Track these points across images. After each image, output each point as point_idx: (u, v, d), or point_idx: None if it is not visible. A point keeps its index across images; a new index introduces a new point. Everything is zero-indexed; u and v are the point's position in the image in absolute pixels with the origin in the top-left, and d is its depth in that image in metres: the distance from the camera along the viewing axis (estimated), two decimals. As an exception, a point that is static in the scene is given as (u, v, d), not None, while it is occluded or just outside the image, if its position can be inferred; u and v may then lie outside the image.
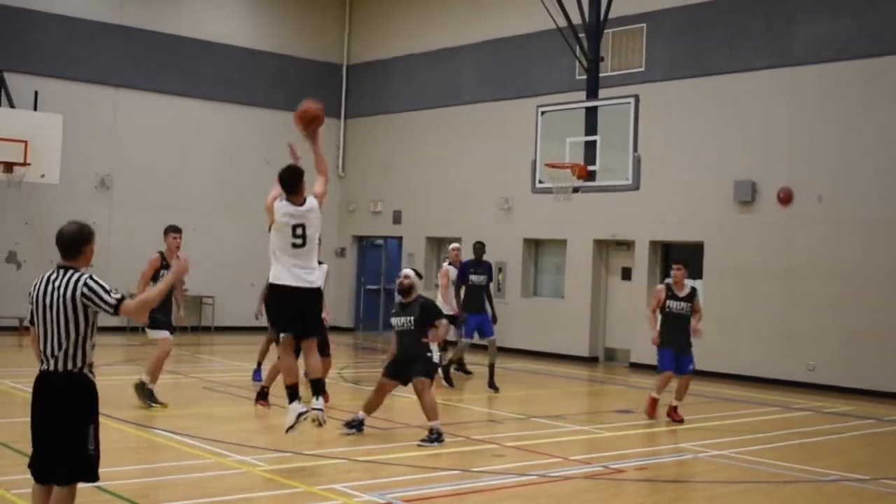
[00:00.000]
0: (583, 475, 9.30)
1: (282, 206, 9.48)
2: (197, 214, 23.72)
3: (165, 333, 12.51)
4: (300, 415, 9.18)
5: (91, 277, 5.70)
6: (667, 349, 13.10)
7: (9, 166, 19.69)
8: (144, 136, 23.55)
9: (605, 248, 21.14)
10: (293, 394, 9.31)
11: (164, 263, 12.47)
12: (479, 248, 16.29)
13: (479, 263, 16.09)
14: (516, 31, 22.64)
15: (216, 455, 9.44)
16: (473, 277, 15.91)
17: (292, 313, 9.32)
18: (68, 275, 5.71)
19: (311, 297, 9.35)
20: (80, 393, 5.73)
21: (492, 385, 15.31)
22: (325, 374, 11.64)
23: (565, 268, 21.50)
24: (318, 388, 9.48)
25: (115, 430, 10.39)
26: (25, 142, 19.85)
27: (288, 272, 9.27)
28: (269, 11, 26.01)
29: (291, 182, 9.56)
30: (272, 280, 9.46)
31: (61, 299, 5.65)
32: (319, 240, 9.84)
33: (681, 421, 12.80)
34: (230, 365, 18.02)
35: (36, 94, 21.32)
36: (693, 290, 13.12)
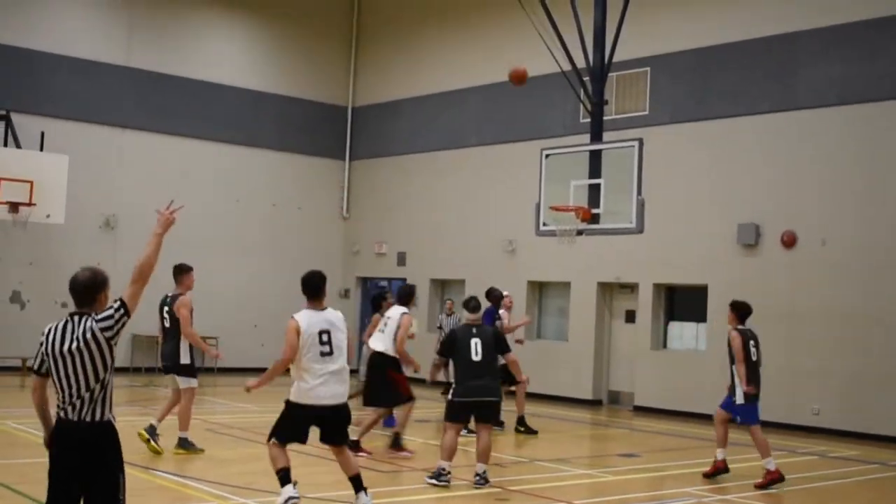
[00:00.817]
0: (587, 520, 9.26)
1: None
2: (201, 255, 23.74)
3: (195, 382, 12.28)
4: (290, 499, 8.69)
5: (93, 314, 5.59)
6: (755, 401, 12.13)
7: (14, 206, 19.75)
8: (150, 177, 23.62)
9: (609, 290, 21.15)
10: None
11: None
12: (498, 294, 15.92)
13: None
14: (520, 75, 22.77)
15: (219, 498, 9.41)
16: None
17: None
18: (83, 321, 5.56)
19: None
20: (110, 443, 5.62)
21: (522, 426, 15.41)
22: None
23: (569, 310, 21.48)
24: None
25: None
26: (31, 182, 19.93)
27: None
28: (274, 54, 26.20)
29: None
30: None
31: (83, 345, 5.48)
32: None
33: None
34: (233, 406, 17.99)
35: (42, 134, 21.43)
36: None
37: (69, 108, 22.60)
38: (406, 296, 13.27)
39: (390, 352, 12.68)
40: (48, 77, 22.39)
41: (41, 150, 21.27)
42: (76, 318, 5.60)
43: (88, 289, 5.70)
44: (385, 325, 12.91)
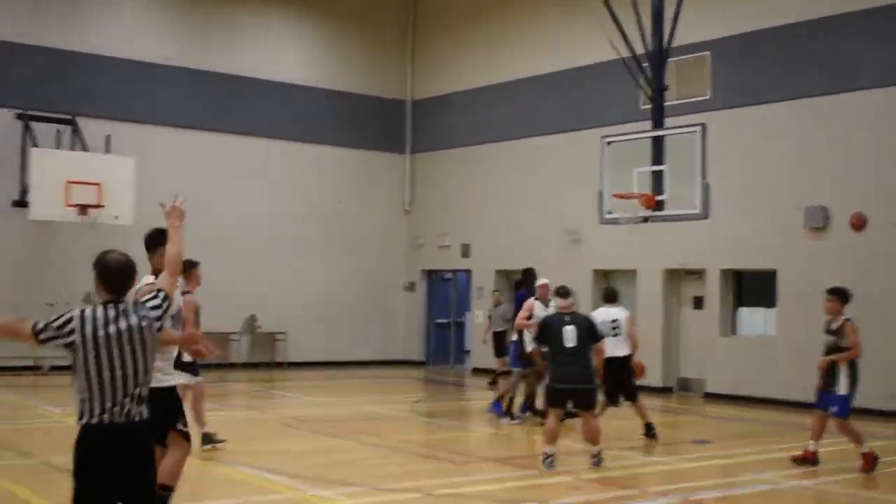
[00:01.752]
0: (662, 507, 9.25)
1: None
2: (269, 253, 24.12)
3: (196, 379, 11.62)
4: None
5: (134, 300, 5.24)
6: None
7: (84, 208, 20.17)
8: (215, 177, 23.96)
9: (676, 277, 20.99)
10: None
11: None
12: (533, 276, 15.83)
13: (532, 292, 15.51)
14: (579, 63, 22.67)
15: (294, 490, 9.57)
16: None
17: None
18: (123, 308, 5.08)
19: None
20: (150, 447, 5.17)
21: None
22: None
23: (636, 298, 21.37)
24: None
25: (196, 466, 10.57)
26: (99, 184, 20.34)
27: None
28: (333, 51, 26.35)
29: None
30: None
31: (137, 335, 5.01)
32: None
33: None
34: (305, 400, 18.22)
35: (108, 137, 21.83)
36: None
37: (134, 111, 22.97)
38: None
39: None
40: (113, 81, 22.74)
41: (107, 152, 21.68)
42: (113, 306, 5.07)
43: (127, 273, 5.19)
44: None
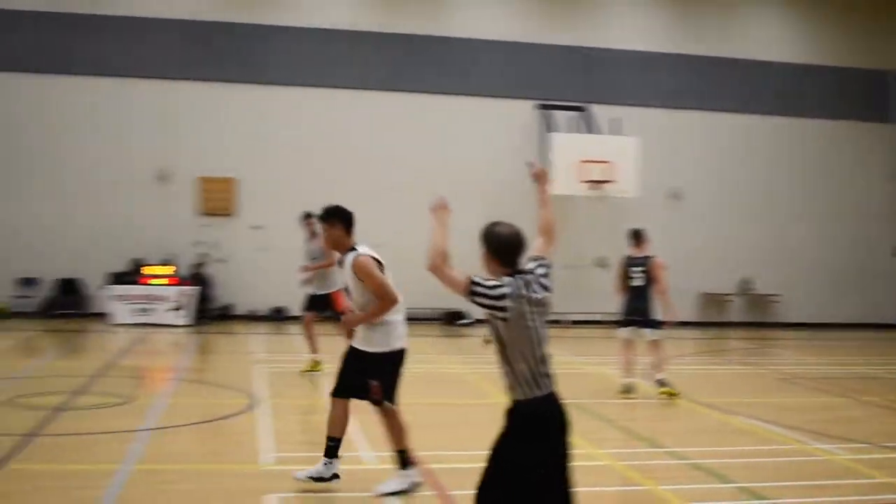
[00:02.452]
0: None
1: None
2: (765, 221, 25.41)
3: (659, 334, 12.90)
4: None
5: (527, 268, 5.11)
6: None
7: (597, 184, 22.74)
8: (707, 155, 25.46)
9: None
10: None
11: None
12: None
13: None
14: None
15: (797, 442, 10.06)
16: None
17: None
18: (534, 277, 5.09)
19: None
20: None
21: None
22: None
23: None
24: None
25: (699, 415, 11.65)
26: (609, 162, 22.78)
27: None
28: (818, 24, 26.65)
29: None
30: None
31: (544, 304, 5.06)
32: None
33: None
34: (801, 359, 18.57)
35: (617, 121, 24.03)
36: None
37: (639, 97, 24.76)
38: None
39: None
40: (620, 71, 24.84)
41: (616, 134, 24.04)
42: (521, 277, 5.06)
43: (523, 244, 5.12)
44: None
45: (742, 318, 25.03)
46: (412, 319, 8.05)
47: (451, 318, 22.85)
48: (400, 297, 7.53)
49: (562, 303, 20.88)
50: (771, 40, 26.06)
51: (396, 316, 7.62)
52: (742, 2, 25.92)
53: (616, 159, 22.43)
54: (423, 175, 22.39)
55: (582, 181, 22.20)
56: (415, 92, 23.50)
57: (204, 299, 21.78)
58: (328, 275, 13.59)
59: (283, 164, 22.76)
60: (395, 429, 7.58)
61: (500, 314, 4.85)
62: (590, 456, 9.05)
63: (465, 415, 11.46)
